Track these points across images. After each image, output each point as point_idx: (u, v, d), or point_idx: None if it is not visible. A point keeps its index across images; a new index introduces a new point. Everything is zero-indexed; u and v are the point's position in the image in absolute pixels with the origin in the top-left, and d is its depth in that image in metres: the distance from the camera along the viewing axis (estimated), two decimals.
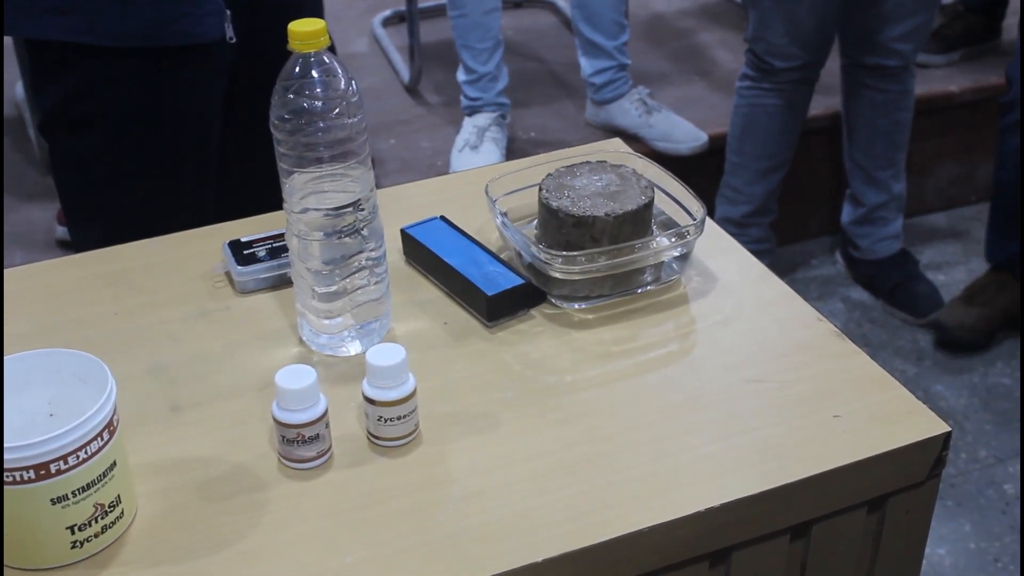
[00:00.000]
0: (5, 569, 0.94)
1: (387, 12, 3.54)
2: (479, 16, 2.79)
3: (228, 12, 1.51)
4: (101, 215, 1.64)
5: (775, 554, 1.05)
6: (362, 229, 1.12)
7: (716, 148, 2.86)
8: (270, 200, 1.29)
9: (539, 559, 0.94)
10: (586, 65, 2.93)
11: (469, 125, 2.87)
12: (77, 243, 1.69)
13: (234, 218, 1.37)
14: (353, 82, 1.07)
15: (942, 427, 1.06)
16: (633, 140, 2.85)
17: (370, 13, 3.58)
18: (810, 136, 2.87)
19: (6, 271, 1.31)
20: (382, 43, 3.44)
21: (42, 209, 2.68)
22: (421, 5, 3.04)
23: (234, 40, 1.54)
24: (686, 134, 2.86)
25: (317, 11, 1.76)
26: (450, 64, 3.11)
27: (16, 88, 3.03)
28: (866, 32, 2.58)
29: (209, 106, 1.61)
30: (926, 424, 1.07)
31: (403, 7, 3.21)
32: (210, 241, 1.33)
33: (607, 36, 2.87)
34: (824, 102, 2.88)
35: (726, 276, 1.28)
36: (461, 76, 2.89)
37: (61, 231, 2.56)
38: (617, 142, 1.50)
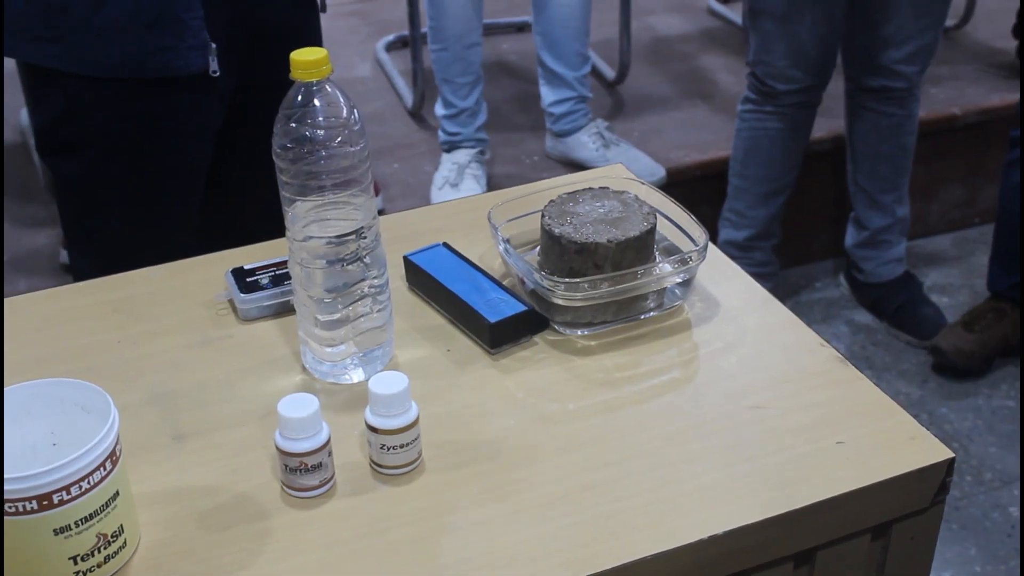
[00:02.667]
0: None
1: (390, 37, 3.56)
2: (460, 50, 2.80)
3: (213, 46, 1.53)
4: (92, 238, 1.67)
5: None
6: (364, 257, 1.12)
7: (719, 172, 2.86)
8: (271, 227, 1.29)
9: None
10: (546, 94, 2.94)
11: (448, 162, 2.87)
12: (74, 267, 1.71)
13: (235, 246, 1.37)
14: (355, 110, 1.07)
15: (946, 453, 1.06)
16: None
17: (373, 38, 3.60)
18: (813, 159, 2.87)
19: (9, 299, 1.31)
20: (385, 68, 3.45)
21: (46, 236, 2.69)
22: (424, 30, 3.05)
23: (218, 73, 1.55)
24: (644, 168, 2.85)
25: (315, 43, 1.77)
26: None
27: (21, 114, 3.04)
28: (869, 54, 2.58)
29: (195, 135, 1.63)
30: (930, 450, 1.06)
31: (406, 32, 3.22)
32: (213, 269, 1.33)
33: (569, 67, 2.89)
34: (827, 125, 2.88)
35: (729, 302, 1.28)
36: (440, 111, 2.89)
37: (64, 255, 2.56)
38: (620, 168, 1.50)
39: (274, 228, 1.24)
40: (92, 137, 1.57)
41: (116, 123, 1.56)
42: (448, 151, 2.89)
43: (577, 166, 2.90)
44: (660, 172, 2.87)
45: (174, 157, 1.63)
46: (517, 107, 3.22)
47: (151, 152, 1.60)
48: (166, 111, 1.57)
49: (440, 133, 2.91)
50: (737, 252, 2.78)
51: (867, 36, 2.55)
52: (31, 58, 1.55)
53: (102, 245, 1.66)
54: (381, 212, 1.51)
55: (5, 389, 0.97)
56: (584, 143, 2.92)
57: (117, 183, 1.61)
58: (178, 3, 1.49)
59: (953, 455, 1.06)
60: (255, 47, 1.61)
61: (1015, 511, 2.36)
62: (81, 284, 1.34)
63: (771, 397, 1.14)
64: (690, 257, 1.25)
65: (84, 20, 1.48)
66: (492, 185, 2.88)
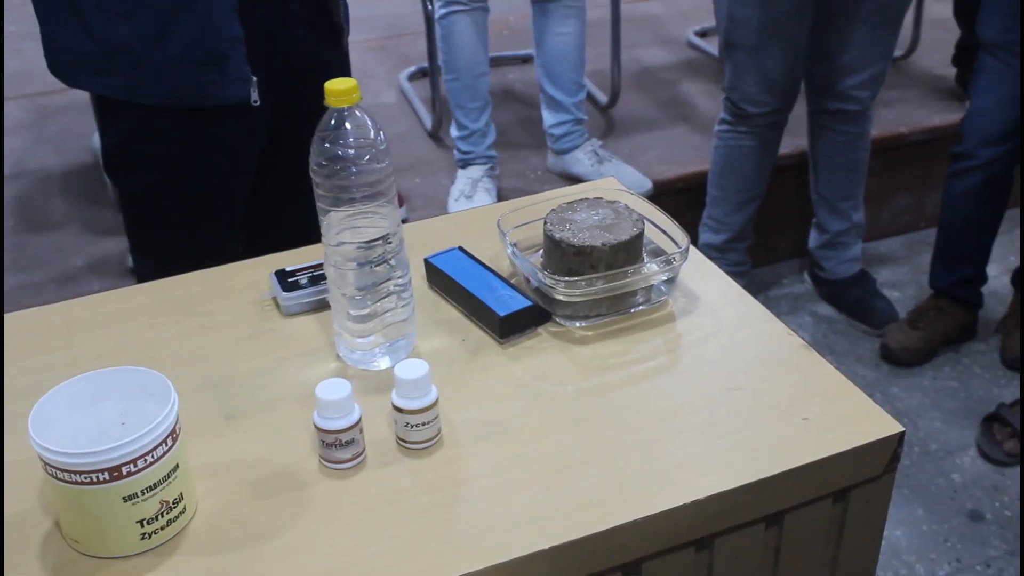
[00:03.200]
0: (86, 558, 0.94)
1: (412, 68, 3.55)
2: (470, 79, 2.80)
3: (254, 79, 1.53)
4: (153, 247, 1.67)
5: (752, 540, 1.05)
6: (390, 259, 1.12)
7: (699, 184, 2.85)
8: (306, 235, 1.30)
9: (547, 546, 0.94)
10: (547, 117, 2.94)
11: (463, 177, 2.86)
12: (138, 270, 1.71)
13: (274, 251, 1.37)
14: (381, 132, 1.07)
15: (897, 427, 1.06)
16: None
17: (397, 69, 3.59)
18: (781, 172, 2.87)
19: (84, 298, 1.31)
20: (408, 95, 3.44)
21: (115, 243, 2.69)
22: (440, 62, 3.05)
23: (259, 103, 1.55)
24: (633, 181, 2.85)
25: (342, 72, 1.77)
26: None
27: (93, 137, 3.04)
28: (828, 82, 2.58)
29: (239, 156, 1.63)
30: (883, 425, 1.06)
31: (426, 64, 3.21)
32: (259, 271, 1.33)
33: (566, 94, 2.88)
34: (792, 142, 2.87)
35: (708, 297, 1.27)
36: (454, 132, 2.89)
37: (130, 260, 2.56)
38: (612, 181, 1.50)
39: (310, 235, 1.24)
40: (150, 158, 1.58)
41: (170, 146, 1.57)
42: (463, 167, 2.89)
43: (575, 179, 2.89)
44: (647, 184, 2.86)
45: (220, 176, 1.63)
46: (522, 129, 3.22)
47: (200, 171, 1.60)
48: (213, 136, 1.57)
49: (455, 152, 2.91)
50: (715, 253, 2.77)
51: (826, 66, 2.55)
52: (97, 89, 1.55)
53: (161, 251, 1.66)
54: (404, 221, 1.51)
55: (82, 376, 0.97)
56: (580, 159, 2.91)
57: (172, 198, 1.62)
58: (223, 42, 1.49)
59: (903, 429, 1.06)
60: (289, 78, 1.61)
61: (957, 477, 2.35)
62: (144, 285, 1.34)
63: (745, 379, 1.13)
64: (674, 258, 1.25)
65: (142, 58, 1.48)
66: (501, 196, 2.87)
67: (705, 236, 2.80)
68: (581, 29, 2.84)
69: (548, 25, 2.82)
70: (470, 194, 2.80)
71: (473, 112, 2.83)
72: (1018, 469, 2.37)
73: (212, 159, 1.60)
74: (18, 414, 1.07)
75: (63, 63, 1.53)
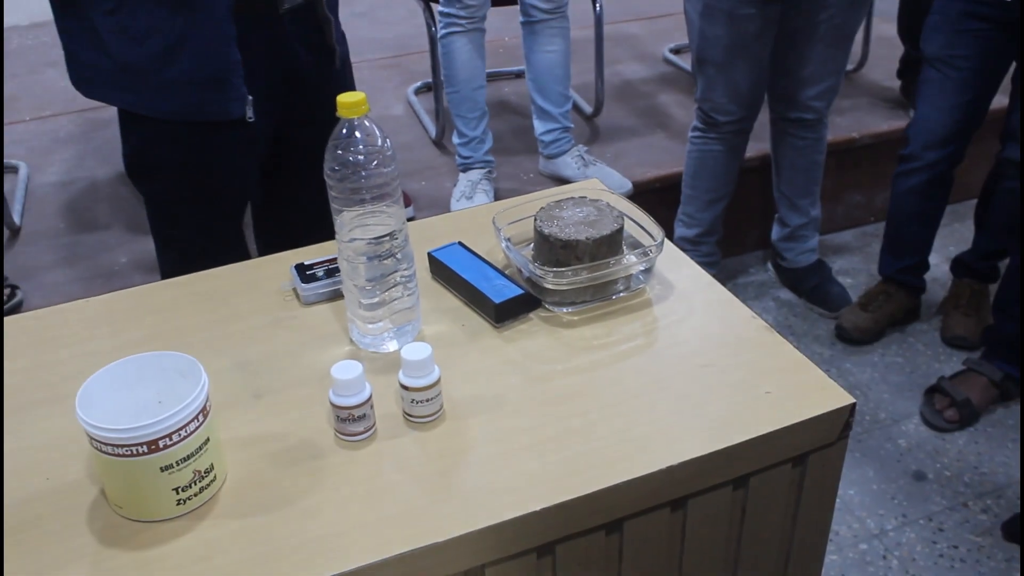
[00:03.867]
0: (128, 522, 0.93)
1: (418, 83, 3.54)
2: (469, 92, 2.79)
3: (250, 98, 1.53)
4: (172, 244, 1.68)
5: (721, 500, 1.04)
6: (397, 253, 1.11)
7: (674, 183, 2.84)
8: (316, 234, 1.30)
9: (538, 508, 0.93)
10: (538, 126, 2.92)
11: (464, 180, 2.85)
12: (161, 265, 1.71)
13: (291, 248, 1.37)
14: (387, 140, 1.06)
15: (848, 399, 1.05)
16: None
17: (405, 84, 3.58)
18: (747, 173, 2.86)
19: (125, 291, 1.30)
20: (414, 107, 3.43)
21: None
22: (442, 76, 3.03)
23: (253, 119, 1.54)
24: (616, 182, 2.83)
25: (342, 87, 1.76)
26: None
27: None
28: (789, 93, 2.57)
29: (240, 164, 1.63)
30: (836, 397, 1.06)
31: (430, 79, 3.20)
32: (280, 265, 1.32)
33: (554, 104, 2.87)
34: (757, 147, 2.86)
35: (681, 285, 1.27)
36: (455, 139, 2.87)
37: None
38: (595, 182, 1.49)
39: (324, 234, 1.24)
40: (163, 164, 1.59)
41: (180, 154, 1.57)
42: (463, 171, 2.87)
43: (563, 181, 2.88)
44: (628, 185, 2.85)
45: (225, 180, 1.64)
46: (516, 136, 3.20)
47: (207, 176, 1.61)
48: (216, 145, 1.58)
49: (456, 157, 2.90)
50: (688, 246, 2.76)
51: (787, 79, 2.54)
52: (115, 102, 1.56)
53: (179, 248, 1.66)
54: (411, 219, 1.50)
55: (123, 360, 0.97)
56: (568, 163, 2.90)
57: (184, 199, 1.62)
58: (223, 66, 1.50)
59: (855, 401, 1.05)
60: (288, 93, 1.61)
61: (903, 442, 2.35)
62: (178, 279, 1.32)
63: (714, 357, 1.13)
64: (650, 250, 1.24)
65: (149, 78, 1.48)
66: (497, 196, 2.86)
67: (679, 230, 2.79)
68: (566, 47, 2.83)
69: (536, 44, 2.81)
70: (470, 195, 2.79)
71: (472, 121, 2.82)
72: (957, 434, 2.36)
73: (217, 165, 1.60)
74: (68, 394, 1.06)
75: (85, 79, 1.54)
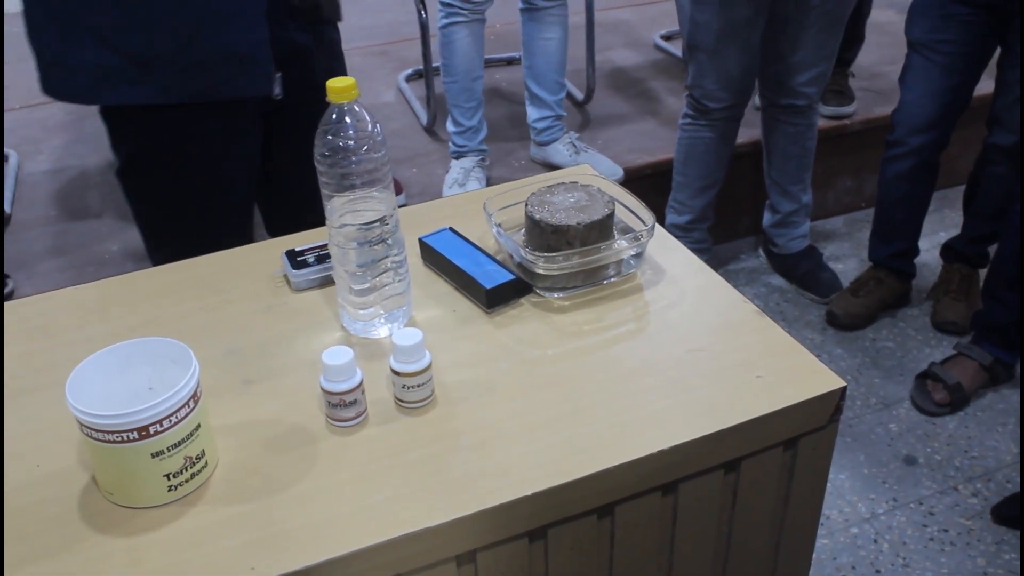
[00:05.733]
0: (119, 508, 0.93)
1: (409, 71, 3.52)
2: (467, 82, 2.78)
3: (278, 75, 1.49)
4: (169, 238, 1.60)
5: (713, 484, 1.04)
6: (387, 239, 1.10)
7: (665, 170, 2.84)
8: (308, 219, 1.28)
9: (530, 492, 0.93)
10: (531, 113, 2.92)
11: (457, 166, 2.85)
12: (153, 261, 1.66)
13: (281, 234, 1.36)
14: (378, 125, 1.06)
15: (839, 383, 1.05)
16: None
17: (396, 71, 3.56)
18: (738, 159, 2.86)
19: (117, 278, 1.30)
20: (405, 94, 3.41)
21: None
22: (435, 64, 3.02)
23: (280, 96, 1.51)
24: (607, 169, 2.84)
25: (334, 65, 1.73)
26: None
27: None
28: (780, 80, 2.57)
29: (248, 146, 1.59)
30: (827, 381, 1.06)
31: (421, 67, 3.19)
32: (270, 251, 1.31)
33: (549, 92, 2.87)
34: (748, 133, 2.86)
35: (672, 270, 1.27)
36: (451, 127, 2.87)
37: None
38: (586, 168, 1.49)
39: (307, 219, 1.24)
40: (173, 156, 1.52)
41: (192, 141, 1.52)
42: (457, 158, 2.87)
43: (555, 168, 2.87)
44: (619, 171, 2.85)
45: (236, 163, 1.59)
46: (508, 123, 3.19)
47: (214, 164, 1.55)
48: (229, 127, 1.53)
49: (451, 144, 2.89)
50: (679, 233, 2.76)
51: (779, 66, 2.54)
52: (122, 100, 1.46)
53: (179, 242, 1.60)
54: (403, 206, 1.48)
55: (114, 346, 0.96)
56: (560, 150, 2.90)
57: (192, 189, 1.56)
58: (248, 44, 1.45)
59: (845, 384, 1.05)
60: (284, 68, 1.56)
61: (893, 427, 2.35)
62: (169, 266, 1.32)
63: (706, 342, 1.13)
64: (641, 235, 1.24)
65: (171, 63, 1.43)
66: (490, 183, 2.85)
67: (671, 217, 2.79)
68: (564, 36, 2.83)
69: (536, 31, 2.81)
70: (463, 182, 2.79)
71: (468, 111, 2.82)
72: (947, 419, 2.37)
73: (233, 150, 1.56)
74: (58, 381, 1.05)
75: (80, 84, 1.44)
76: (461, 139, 2.85)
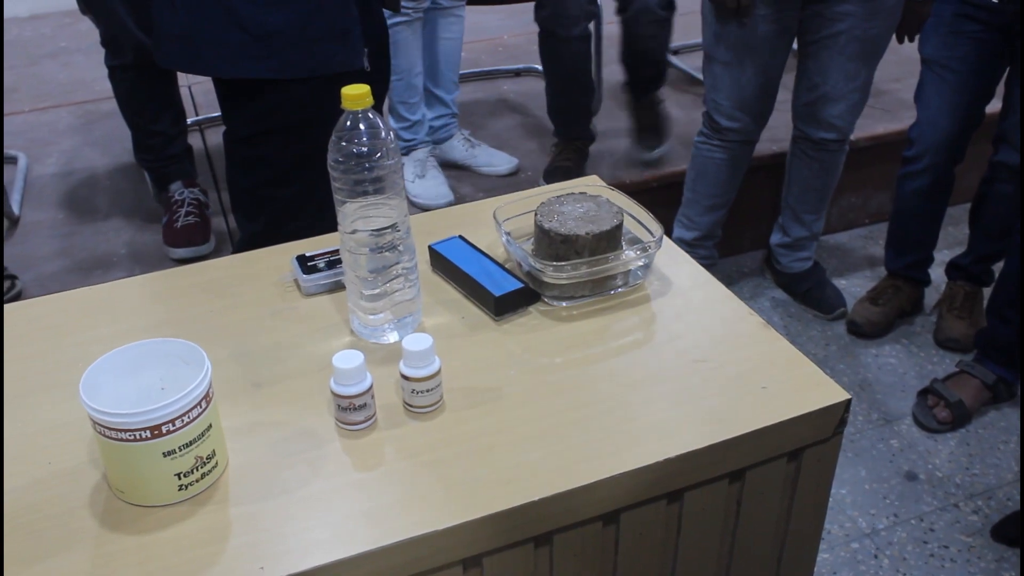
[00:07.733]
0: (130, 507, 0.94)
1: None
2: (411, 79, 2.83)
3: (366, 50, 1.57)
4: (265, 208, 1.66)
5: (718, 493, 1.05)
6: (398, 245, 1.12)
7: (671, 183, 2.85)
8: (324, 226, 1.30)
9: (536, 498, 0.94)
10: (427, 113, 2.97)
11: (411, 161, 2.89)
12: (244, 235, 1.70)
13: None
14: (391, 133, 1.07)
15: (844, 396, 1.06)
16: (464, 169, 2.96)
17: None
18: (751, 173, 2.85)
19: (127, 280, 1.31)
20: None
21: (153, 233, 2.68)
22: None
23: (369, 70, 1.58)
24: (502, 160, 2.93)
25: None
26: (464, 119, 3.12)
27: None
28: (811, 111, 2.54)
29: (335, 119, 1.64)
30: (831, 394, 1.07)
31: None
32: (281, 256, 1.33)
33: (446, 91, 2.94)
34: (761, 148, 2.86)
35: (679, 281, 1.28)
36: (394, 124, 2.90)
37: (175, 252, 2.56)
38: (594, 178, 1.50)
39: (326, 226, 1.25)
40: (279, 127, 1.59)
41: (298, 113, 1.57)
42: (406, 154, 2.91)
43: (455, 165, 2.96)
44: (514, 161, 2.93)
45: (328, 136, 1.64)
46: (520, 134, 3.21)
47: (318, 133, 1.60)
48: (330, 100, 1.58)
49: (399, 142, 2.92)
50: (686, 248, 2.76)
51: (810, 95, 2.52)
52: (239, 74, 1.54)
53: (273, 213, 1.66)
54: None
55: (127, 346, 0.97)
56: (456, 146, 2.98)
57: (292, 160, 1.61)
58: (349, 21, 1.53)
59: (850, 396, 1.06)
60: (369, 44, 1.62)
61: (895, 443, 2.36)
62: (179, 269, 1.33)
63: (711, 353, 1.14)
64: (649, 246, 1.25)
65: (293, 39, 1.50)
66: (490, 192, 2.85)
67: (678, 232, 2.80)
68: (462, 35, 2.90)
69: (439, 30, 2.87)
70: (422, 174, 2.84)
71: (412, 106, 2.87)
72: (948, 436, 2.38)
73: (325, 121, 1.60)
74: (69, 381, 1.07)
75: (209, 57, 1.52)
76: (408, 133, 2.90)
